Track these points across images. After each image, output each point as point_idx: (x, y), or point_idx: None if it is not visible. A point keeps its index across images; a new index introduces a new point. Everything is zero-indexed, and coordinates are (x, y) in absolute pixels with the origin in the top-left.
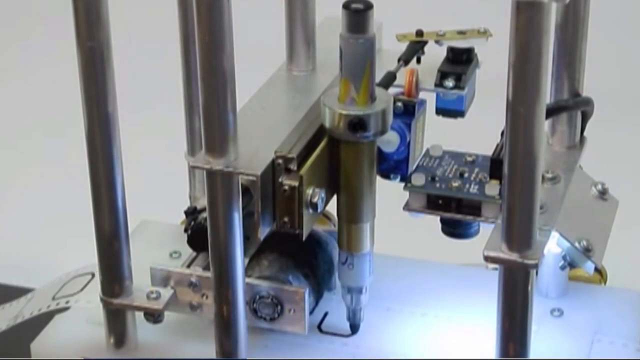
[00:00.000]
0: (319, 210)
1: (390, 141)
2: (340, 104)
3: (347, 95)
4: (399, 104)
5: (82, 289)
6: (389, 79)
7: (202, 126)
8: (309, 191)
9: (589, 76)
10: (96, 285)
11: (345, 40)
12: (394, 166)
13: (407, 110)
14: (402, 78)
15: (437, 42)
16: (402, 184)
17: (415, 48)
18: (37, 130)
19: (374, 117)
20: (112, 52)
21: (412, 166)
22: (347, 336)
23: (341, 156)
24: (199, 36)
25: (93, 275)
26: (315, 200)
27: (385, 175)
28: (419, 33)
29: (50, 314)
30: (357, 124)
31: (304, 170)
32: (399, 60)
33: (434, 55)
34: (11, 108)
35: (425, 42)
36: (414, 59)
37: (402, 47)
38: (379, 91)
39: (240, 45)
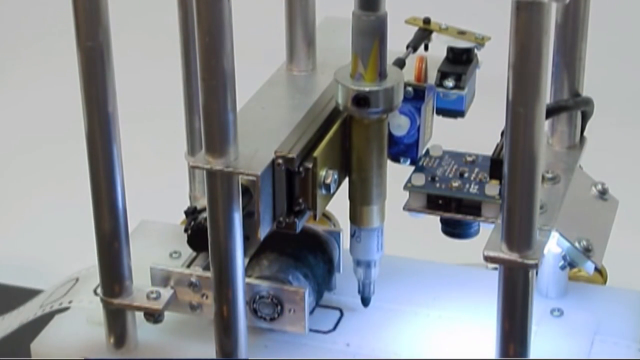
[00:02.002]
0: (331, 191)
1: (400, 125)
2: (349, 79)
3: (355, 71)
4: (409, 88)
5: (65, 294)
6: (398, 65)
7: (202, 126)
8: (323, 172)
9: (589, 76)
10: (81, 287)
11: (357, 17)
12: (404, 150)
13: (417, 95)
14: (412, 64)
15: (439, 31)
16: (402, 185)
17: (423, 35)
18: (37, 130)
19: (380, 93)
20: (112, 52)
21: (421, 150)
22: (333, 329)
23: (352, 137)
24: (199, 36)
25: (77, 280)
26: (328, 181)
27: (396, 159)
28: (427, 21)
29: (51, 314)
30: (362, 100)
31: (317, 152)
32: (407, 47)
33: (435, 56)
34: (11, 108)
35: (431, 32)
36: (422, 47)
37: (402, 37)
38: (391, 69)
39: (240, 45)
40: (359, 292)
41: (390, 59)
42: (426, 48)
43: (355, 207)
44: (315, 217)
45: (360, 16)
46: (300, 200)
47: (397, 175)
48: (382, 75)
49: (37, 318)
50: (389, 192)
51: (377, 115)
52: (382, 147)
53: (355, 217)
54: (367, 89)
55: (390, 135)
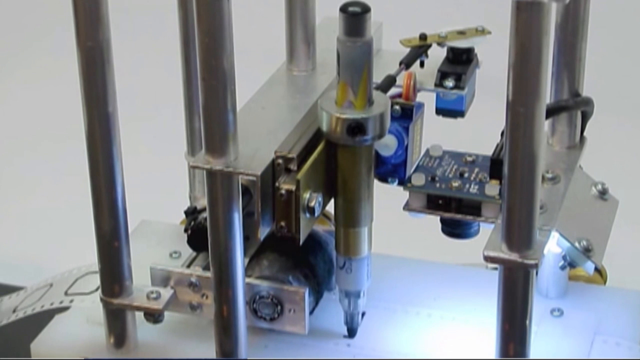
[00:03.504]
0: (316, 214)
1: (388, 145)
2: (337, 107)
3: (344, 99)
4: (397, 107)
5: (96, 289)
6: (389, 83)
7: (202, 126)
8: (306, 195)
9: (589, 76)
10: (55, 291)
11: (343, 44)
12: (391, 170)
13: (405, 114)
14: (401, 81)
15: (439, 44)
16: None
17: (418, 52)
18: (37, 130)
19: (372, 120)
20: (112, 52)
21: (409, 170)
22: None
23: (338, 160)
24: (199, 36)
25: (51, 285)
26: (312, 204)
27: (383, 179)
28: (423, 37)
29: (51, 314)
30: (356, 128)
31: (301, 174)
32: (400, 64)
33: (435, 56)
34: (11, 108)
35: (429, 46)
36: (417, 63)
37: (403, 46)
38: (376, 94)
39: (240, 45)
40: (345, 322)
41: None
42: (422, 65)
43: (342, 231)
44: (298, 241)
45: (346, 42)
46: (283, 224)
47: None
48: (370, 101)
49: (37, 318)
50: (389, 192)
51: (369, 142)
52: (369, 168)
53: (343, 246)
54: (358, 116)
55: (378, 155)
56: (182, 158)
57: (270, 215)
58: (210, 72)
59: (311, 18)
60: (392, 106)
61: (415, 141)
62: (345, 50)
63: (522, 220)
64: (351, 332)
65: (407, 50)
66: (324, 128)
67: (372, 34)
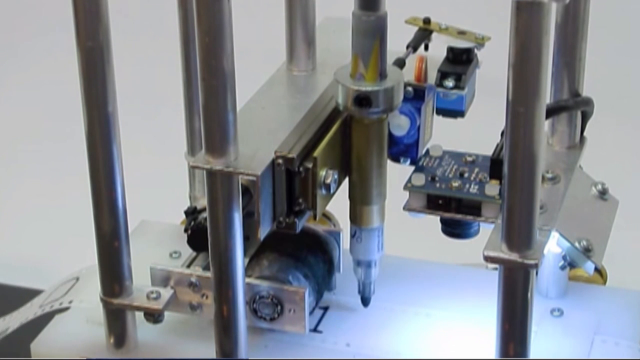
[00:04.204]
0: (331, 191)
1: (400, 125)
2: (350, 79)
3: (356, 71)
4: (409, 88)
5: (66, 293)
6: (398, 65)
7: (202, 126)
8: (323, 172)
9: (589, 76)
10: (80, 287)
11: (357, 17)
12: (404, 150)
13: (417, 95)
14: (413, 64)
15: (440, 30)
16: (402, 185)
17: (423, 35)
18: (37, 130)
19: (381, 93)
20: (112, 52)
21: (421, 150)
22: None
23: (352, 137)
24: (199, 36)
25: (77, 279)
26: (328, 181)
27: (396, 159)
28: (427, 21)
29: (51, 314)
30: (364, 100)
31: (317, 152)
32: (407, 47)
33: (435, 56)
34: (11, 108)
35: (431, 32)
36: (422, 47)
37: (403, 37)
38: (391, 69)
39: (240, 45)
40: (359, 292)
41: (390, 59)
42: (426, 48)
43: (355, 207)
44: (315, 217)
45: (360, 16)
46: (300, 200)
47: (397, 175)
48: (382, 75)
49: (37, 318)
50: (389, 192)
51: (378, 115)
52: (382, 147)
53: (356, 217)
54: (368, 88)
55: (390, 135)
56: (182, 158)
57: (271, 215)
58: (210, 72)
59: (311, 18)
60: (404, 87)
61: (427, 122)
62: (359, 23)
63: (522, 220)
64: (365, 301)
65: (403, 51)
66: (339, 100)
67: (386, 9)
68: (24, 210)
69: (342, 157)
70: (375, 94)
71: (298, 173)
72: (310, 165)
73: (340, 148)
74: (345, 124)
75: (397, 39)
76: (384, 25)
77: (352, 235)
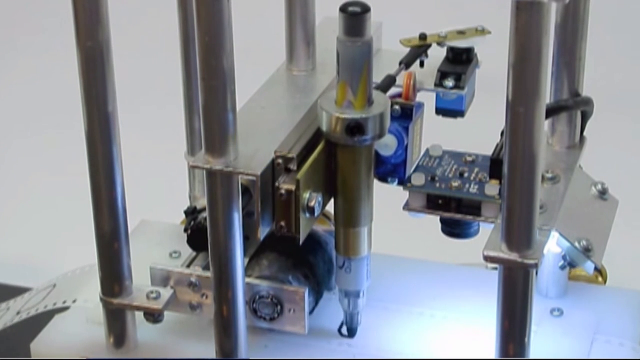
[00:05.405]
0: (316, 214)
1: (388, 145)
2: (337, 107)
3: (344, 99)
4: (397, 107)
5: (43, 300)
6: (389, 83)
7: (202, 126)
8: (306, 195)
9: (589, 76)
10: (54, 295)
11: (343, 44)
12: (391, 170)
13: (405, 114)
14: (401, 81)
15: (439, 44)
16: (400, 187)
17: (418, 52)
18: (37, 130)
19: (371, 120)
20: (112, 52)
21: (409, 170)
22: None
23: (338, 160)
24: (199, 36)
25: (54, 285)
26: (312, 204)
27: (383, 179)
28: (423, 37)
29: (51, 314)
30: (355, 128)
31: (301, 174)
32: (400, 64)
33: (435, 56)
34: (11, 108)
35: (429, 46)
36: (417, 63)
37: (403, 47)
38: (376, 94)
39: (240, 45)
40: (345, 322)
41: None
42: (422, 65)
43: (342, 231)
44: (299, 242)
45: (345, 42)
46: (283, 224)
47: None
48: (370, 101)
49: (37, 318)
50: (389, 192)
51: (369, 142)
52: (369, 169)
53: (344, 247)
54: (357, 116)
55: (377, 154)
56: (182, 158)
57: (270, 215)
58: (210, 72)
59: (311, 18)
60: (392, 106)
61: (415, 141)
62: (345, 50)
63: (522, 220)
64: (351, 332)
65: (407, 50)
66: (324, 128)
67: (372, 34)
68: (24, 210)
69: (326, 179)
70: (366, 122)
71: (279, 196)
72: (293, 188)
73: (325, 169)
74: (330, 145)
75: (397, 40)
76: (370, 51)
77: (341, 267)
